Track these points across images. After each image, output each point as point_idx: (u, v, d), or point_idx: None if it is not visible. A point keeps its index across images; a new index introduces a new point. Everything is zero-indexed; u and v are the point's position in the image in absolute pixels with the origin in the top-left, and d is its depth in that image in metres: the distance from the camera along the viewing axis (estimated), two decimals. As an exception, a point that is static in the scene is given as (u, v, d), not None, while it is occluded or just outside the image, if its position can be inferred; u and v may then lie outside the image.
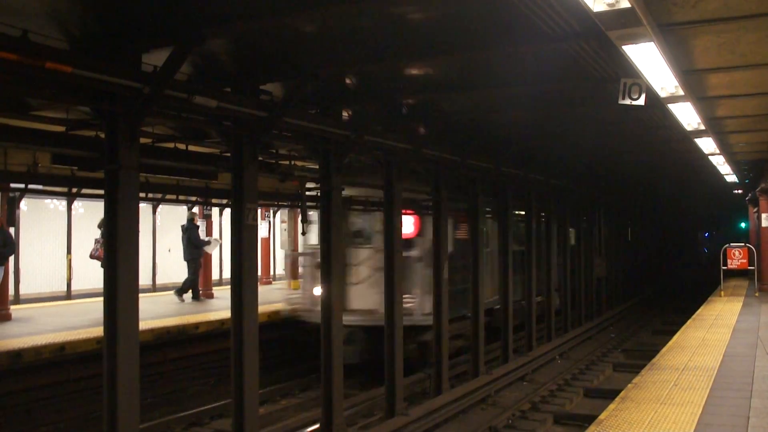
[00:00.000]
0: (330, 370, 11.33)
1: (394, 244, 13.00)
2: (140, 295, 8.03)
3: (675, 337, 14.25)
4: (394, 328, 12.88)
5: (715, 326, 15.56)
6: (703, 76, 9.20)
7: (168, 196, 15.94)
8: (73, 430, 12.37)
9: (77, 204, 20.64)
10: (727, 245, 23.07)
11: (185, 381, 15.28)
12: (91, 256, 17.11)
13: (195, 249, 19.87)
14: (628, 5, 5.67)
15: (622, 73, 8.47)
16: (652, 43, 6.68)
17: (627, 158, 20.63)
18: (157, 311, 17.07)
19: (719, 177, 23.23)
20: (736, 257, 22.68)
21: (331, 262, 11.42)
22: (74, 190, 14.73)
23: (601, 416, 8.29)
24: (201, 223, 21.02)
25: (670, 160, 20.75)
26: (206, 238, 20.95)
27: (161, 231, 24.01)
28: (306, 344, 15.87)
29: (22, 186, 11.81)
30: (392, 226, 13.00)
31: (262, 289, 10.77)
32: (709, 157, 17.08)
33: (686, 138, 13.77)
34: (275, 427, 12.50)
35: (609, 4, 5.70)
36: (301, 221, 11.63)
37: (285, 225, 20.59)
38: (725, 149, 16.07)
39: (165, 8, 7.20)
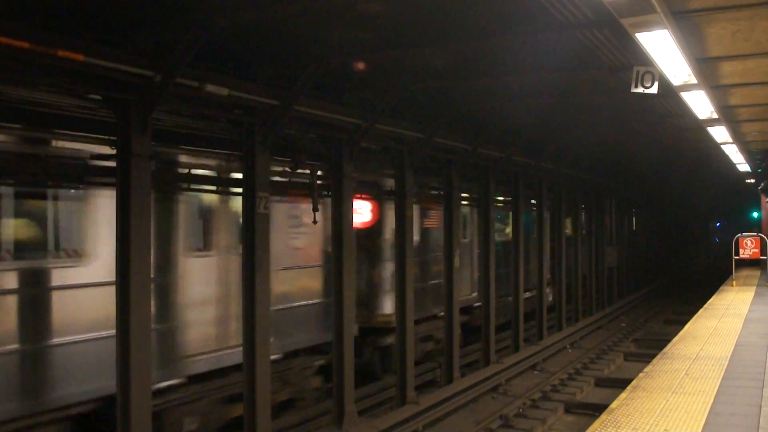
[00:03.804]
0: (342, 361, 11.39)
1: (405, 236, 12.99)
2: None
3: (686, 327, 14.22)
4: (405, 320, 12.91)
5: (727, 316, 15.50)
6: (717, 64, 9.11)
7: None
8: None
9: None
10: (739, 235, 22.96)
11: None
12: None
13: None
14: (642, -8, 5.63)
15: (634, 62, 8.42)
16: (666, 30, 6.61)
17: (639, 147, 20.52)
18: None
19: (731, 166, 23.08)
20: (749, 247, 22.57)
21: (343, 253, 11.43)
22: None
23: (613, 405, 8.29)
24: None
25: (682, 149, 20.63)
26: None
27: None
28: None
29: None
30: (403, 217, 12.99)
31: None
32: (722, 146, 16.96)
33: (699, 127, 13.68)
34: (293, 417, 12.53)
35: (623, -9, 5.65)
36: (313, 210, 11.63)
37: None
38: (738, 138, 15.95)
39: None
